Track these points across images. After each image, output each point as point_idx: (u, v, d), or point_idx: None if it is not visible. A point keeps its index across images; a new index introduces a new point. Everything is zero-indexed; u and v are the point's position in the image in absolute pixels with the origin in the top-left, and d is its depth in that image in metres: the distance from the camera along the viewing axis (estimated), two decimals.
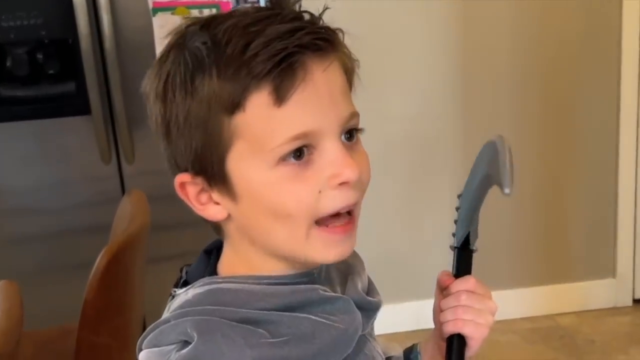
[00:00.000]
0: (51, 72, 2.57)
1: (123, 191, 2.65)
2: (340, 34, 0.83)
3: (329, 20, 0.83)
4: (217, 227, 0.87)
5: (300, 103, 0.78)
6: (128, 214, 1.95)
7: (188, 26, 0.82)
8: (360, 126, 0.85)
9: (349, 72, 0.85)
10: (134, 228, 1.85)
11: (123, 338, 1.88)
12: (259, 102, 0.77)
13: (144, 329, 0.85)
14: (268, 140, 0.78)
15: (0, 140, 2.61)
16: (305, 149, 0.79)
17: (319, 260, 0.84)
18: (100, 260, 1.75)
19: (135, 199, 1.99)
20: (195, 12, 2.74)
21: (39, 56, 2.56)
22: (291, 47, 0.76)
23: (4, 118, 2.59)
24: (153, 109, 0.83)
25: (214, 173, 0.81)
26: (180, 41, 0.81)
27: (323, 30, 0.80)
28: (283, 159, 0.78)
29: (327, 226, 0.82)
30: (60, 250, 2.66)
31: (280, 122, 0.78)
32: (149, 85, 0.83)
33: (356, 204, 0.84)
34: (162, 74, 0.81)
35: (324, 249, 0.82)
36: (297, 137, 0.78)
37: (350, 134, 0.83)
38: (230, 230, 0.86)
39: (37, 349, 2.04)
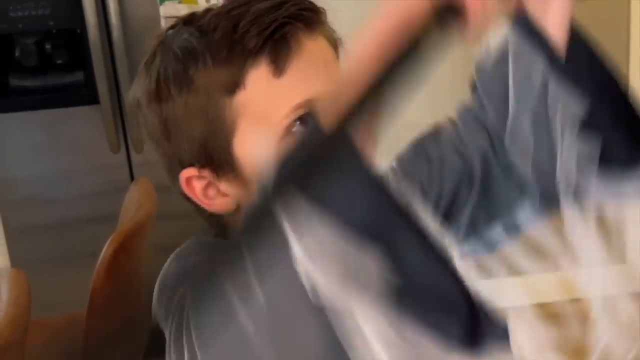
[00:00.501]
0: (59, 62, 2.59)
1: (132, 180, 2.66)
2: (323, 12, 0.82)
3: None
4: (222, 229, 0.85)
5: (299, 72, 0.77)
6: (135, 202, 1.96)
7: (168, 29, 0.82)
8: None
9: (335, 46, 0.84)
10: (141, 216, 1.86)
11: (131, 325, 1.90)
12: (258, 76, 0.76)
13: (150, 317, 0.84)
14: (272, 113, 0.76)
15: (9, 131, 2.62)
16: (309, 117, 0.76)
17: None
18: (107, 249, 1.76)
19: (142, 188, 2.00)
20: (202, 2, 2.74)
21: (47, 46, 2.58)
22: (280, 18, 0.76)
23: (13, 108, 2.61)
24: (147, 114, 0.81)
25: (221, 161, 0.79)
26: (162, 44, 0.81)
27: (307, 3, 0.80)
28: (290, 129, 0.77)
29: None
30: (69, 239, 2.67)
31: (282, 93, 0.77)
32: (139, 90, 0.82)
33: None
34: (152, 75, 0.80)
35: None
36: (300, 106, 0.76)
37: None
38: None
39: (46, 337, 2.05)
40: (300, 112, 0.77)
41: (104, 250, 1.78)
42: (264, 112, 0.77)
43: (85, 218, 2.67)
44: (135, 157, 2.67)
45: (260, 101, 0.77)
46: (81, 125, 2.66)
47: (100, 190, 2.68)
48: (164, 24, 2.56)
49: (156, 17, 2.56)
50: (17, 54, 2.57)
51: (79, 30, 2.56)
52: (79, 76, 2.61)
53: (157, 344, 2.12)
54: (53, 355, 1.99)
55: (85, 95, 2.60)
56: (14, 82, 2.61)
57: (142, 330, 1.93)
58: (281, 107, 0.76)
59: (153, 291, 0.83)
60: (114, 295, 1.80)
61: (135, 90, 0.83)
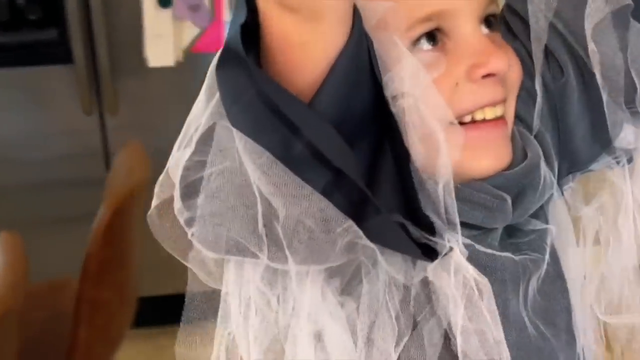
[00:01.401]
0: (32, 17, 2.47)
1: (104, 144, 2.58)
2: None
3: None
4: None
5: None
6: (126, 166, 1.89)
7: None
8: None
9: None
10: (136, 180, 1.80)
11: (123, 292, 1.84)
12: None
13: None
14: (396, 25, 0.65)
15: None
16: (437, 34, 0.67)
17: (470, 173, 0.67)
18: (103, 214, 1.70)
19: (133, 151, 1.93)
20: None
21: (20, 1, 2.46)
22: None
23: None
24: None
25: None
26: None
27: None
28: (414, 45, 0.66)
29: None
30: (41, 202, 2.57)
31: (406, 2, 0.65)
32: None
33: (507, 104, 0.69)
34: None
35: (473, 155, 0.67)
36: (427, 19, 0.66)
37: (490, 23, 0.70)
38: None
39: (28, 303, 1.97)
40: (427, 27, 0.67)
41: (99, 214, 1.71)
42: (388, 25, 0.64)
43: (57, 181, 2.58)
44: (109, 121, 2.57)
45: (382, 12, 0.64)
46: (53, 85, 2.55)
47: (72, 152, 2.59)
48: None
49: None
50: None
51: None
52: (52, 33, 2.50)
53: (146, 312, 2.07)
54: (37, 322, 1.92)
55: (59, 53, 2.49)
56: None
57: (133, 298, 1.87)
58: (404, 18, 0.65)
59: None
60: (108, 261, 1.74)
61: None
